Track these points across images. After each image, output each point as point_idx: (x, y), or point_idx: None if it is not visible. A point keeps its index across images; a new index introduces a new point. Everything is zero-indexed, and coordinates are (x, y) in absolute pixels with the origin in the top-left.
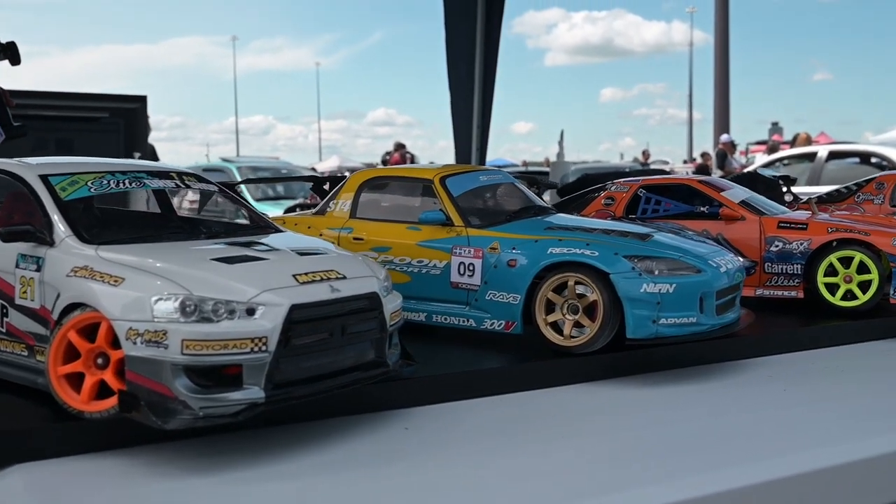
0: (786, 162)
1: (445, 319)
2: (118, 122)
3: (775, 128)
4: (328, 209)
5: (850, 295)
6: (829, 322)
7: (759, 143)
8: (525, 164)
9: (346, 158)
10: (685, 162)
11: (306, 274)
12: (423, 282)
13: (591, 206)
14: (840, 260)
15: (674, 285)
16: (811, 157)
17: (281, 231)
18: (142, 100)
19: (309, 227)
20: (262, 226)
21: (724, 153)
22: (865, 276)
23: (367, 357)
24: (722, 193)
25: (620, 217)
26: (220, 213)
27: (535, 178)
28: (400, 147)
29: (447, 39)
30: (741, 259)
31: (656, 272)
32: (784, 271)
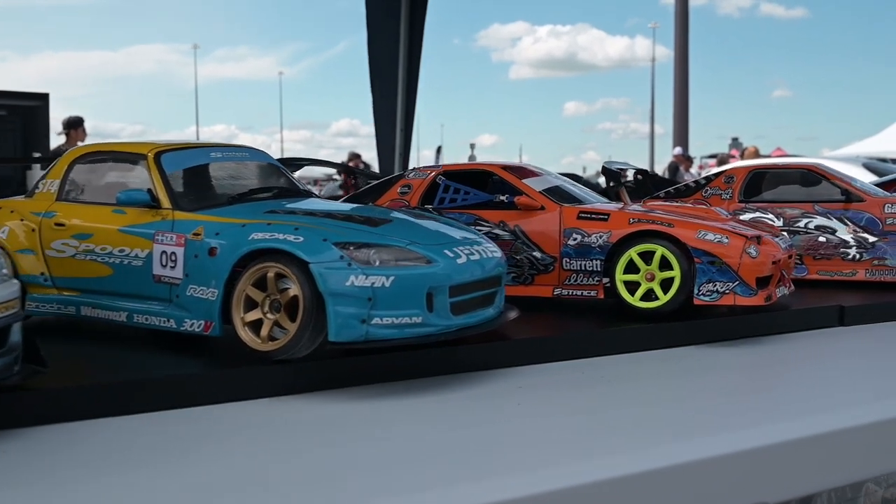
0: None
1: (146, 320)
2: (16, 120)
3: (735, 143)
4: (37, 190)
5: (653, 295)
6: (622, 325)
7: (711, 156)
8: None
9: (306, 169)
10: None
11: None
12: (125, 275)
13: (387, 195)
14: (642, 255)
15: (392, 278)
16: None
17: None
18: (44, 98)
19: (12, 212)
20: None
21: (676, 166)
22: (668, 274)
23: None
24: (524, 181)
25: (414, 207)
26: None
27: None
28: (355, 157)
29: (369, 42)
30: (497, 251)
31: (376, 262)
32: (583, 268)
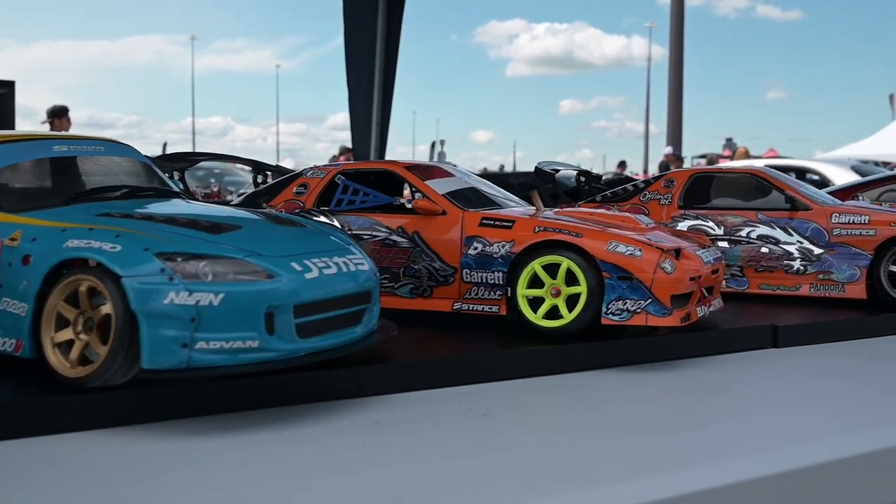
0: None
1: None
2: None
3: (730, 143)
4: None
5: (559, 312)
6: (523, 346)
7: (701, 156)
8: (486, 171)
9: (302, 162)
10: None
11: None
12: None
13: (281, 195)
14: (547, 268)
15: (221, 295)
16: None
17: None
18: (9, 85)
19: None
20: None
21: (667, 165)
22: (575, 289)
23: None
24: (427, 182)
25: (309, 209)
26: None
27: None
28: (346, 151)
29: (346, 31)
30: (365, 262)
31: (208, 276)
32: (484, 280)
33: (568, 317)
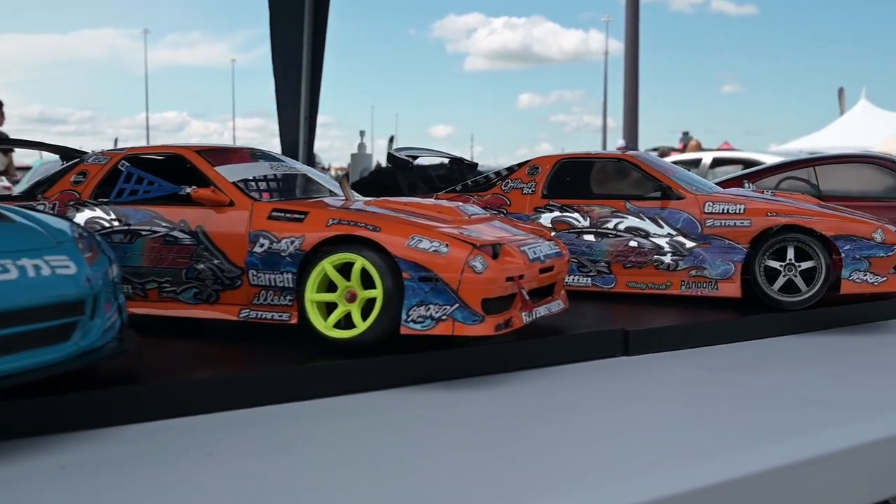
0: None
1: None
2: None
3: (686, 137)
4: None
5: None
6: (315, 362)
7: (653, 149)
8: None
9: None
10: None
11: None
12: None
13: (59, 184)
14: (342, 268)
15: None
16: (696, 163)
17: None
18: None
19: None
20: None
21: None
22: (372, 293)
23: None
24: (218, 168)
25: (86, 200)
26: None
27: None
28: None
29: (271, 21)
30: (72, 266)
31: None
32: (272, 283)
33: (361, 326)
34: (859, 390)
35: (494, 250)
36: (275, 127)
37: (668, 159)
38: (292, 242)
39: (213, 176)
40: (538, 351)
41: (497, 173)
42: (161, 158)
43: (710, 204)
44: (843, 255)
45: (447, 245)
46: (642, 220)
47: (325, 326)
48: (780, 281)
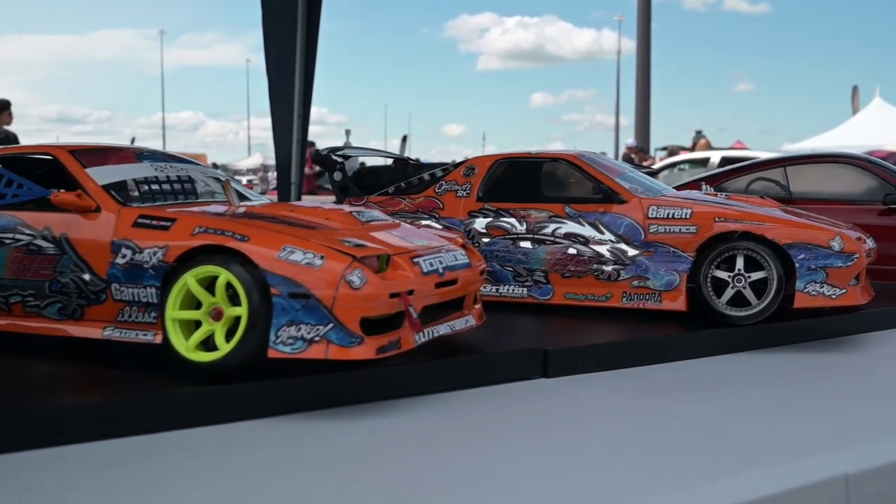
0: (681, 167)
1: None
2: None
3: (699, 135)
4: None
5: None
6: (179, 387)
7: (663, 148)
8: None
9: (270, 156)
10: None
11: None
12: None
13: None
14: (207, 282)
15: None
16: (705, 162)
17: None
18: None
19: None
20: None
21: (630, 157)
22: (238, 310)
23: None
24: (88, 170)
25: None
26: None
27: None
28: (310, 145)
29: (263, 18)
30: None
31: None
32: (136, 298)
33: (224, 347)
34: (800, 423)
35: (380, 262)
36: None
37: (677, 158)
38: (155, 253)
39: (82, 178)
40: (441, 373)
41: (432, 174)
42: (37, 159)
43: (655, 208)
44: (797, 265)
45: (322, 257)
46: (582, 225)
47: (186, 348)
48: (729, 293)
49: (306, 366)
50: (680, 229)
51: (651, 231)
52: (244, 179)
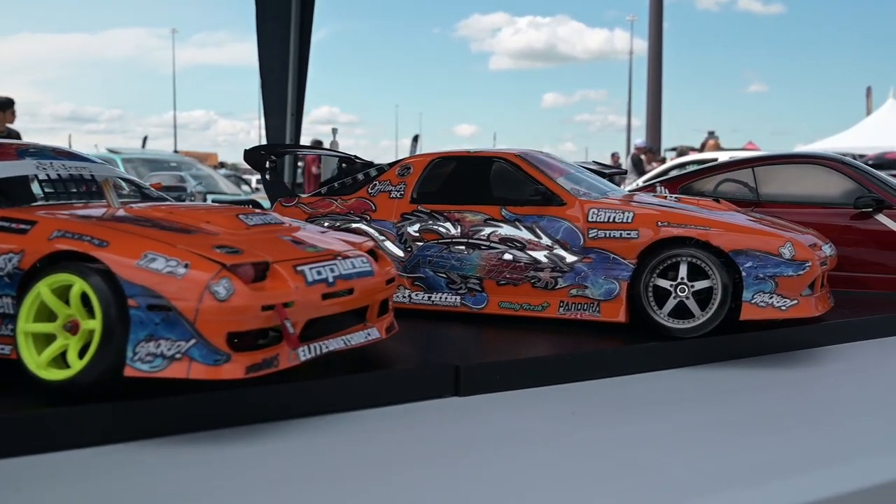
0: (689, 168)
1: None
2: None
3: (711, 136)
4: None
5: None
6: (39, 408)
7: (672, 148)
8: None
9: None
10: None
11: None
12: None
13: None
14: (62, 292)
15: None
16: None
17: None
18: None
19: None
20: None
21: (639, 158)
22: (92, 324)
23: None
24: None
25: None
26: None
27: None
28: (317, 144)
29: (257, 17)
30: None
31: None
32: None
33: (77, 365)
34: (741, 450)
35: (256, 271)
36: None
37: (685, 159)
38: (10, 259)
39: None
40: (342, 391)
41: (366, 174)
42: None
43: (596, 211)
44: (743, 273)
45: (187, 265)
46: (518, 229)
47: (36, 364)
48: (671, 303)
49: (185, 384)
50: (621, 234)
51: (591, 236)
52: (254, 179)
